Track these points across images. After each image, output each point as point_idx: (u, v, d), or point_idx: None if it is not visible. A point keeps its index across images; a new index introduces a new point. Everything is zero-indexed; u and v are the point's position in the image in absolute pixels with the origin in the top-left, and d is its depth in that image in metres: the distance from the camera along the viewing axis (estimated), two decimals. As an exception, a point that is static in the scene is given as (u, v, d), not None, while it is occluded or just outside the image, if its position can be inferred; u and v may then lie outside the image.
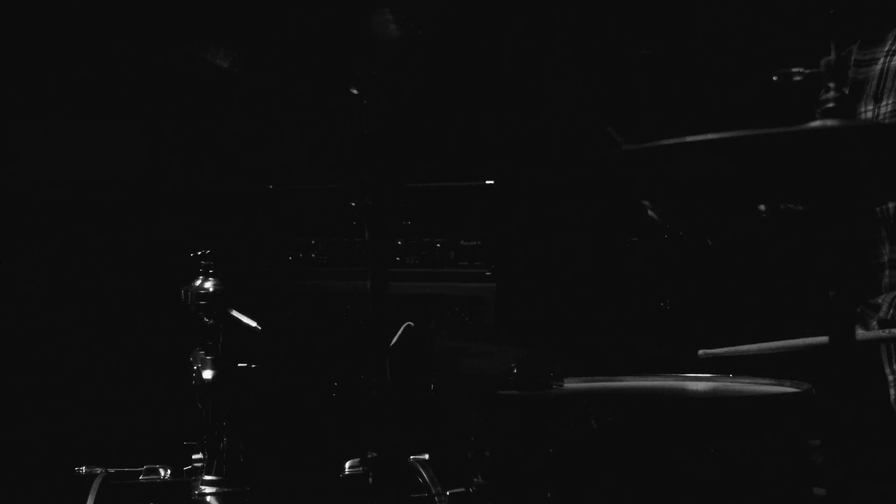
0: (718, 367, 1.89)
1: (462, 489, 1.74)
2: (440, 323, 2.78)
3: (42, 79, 2.94)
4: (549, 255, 3.02)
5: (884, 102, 2.10)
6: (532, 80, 3.06)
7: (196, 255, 1.91)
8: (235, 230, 2.98)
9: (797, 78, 1.35)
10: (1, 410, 2.75)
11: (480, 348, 2.41)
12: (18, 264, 2.91)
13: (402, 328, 2.33)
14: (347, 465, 1.94)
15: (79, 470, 1.92)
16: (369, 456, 1.61)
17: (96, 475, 1.90)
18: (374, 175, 1.62)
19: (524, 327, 2.86)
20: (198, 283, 1.91)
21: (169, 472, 1.95)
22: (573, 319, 2.88)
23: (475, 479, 1.55)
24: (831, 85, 1.24)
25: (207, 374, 1.86)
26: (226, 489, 1.85)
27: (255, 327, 1.84)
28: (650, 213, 2.08)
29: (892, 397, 2.01)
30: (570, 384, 1.76)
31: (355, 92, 1.60)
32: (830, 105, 1.23)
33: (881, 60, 2.14)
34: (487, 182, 2.97)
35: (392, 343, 2.16)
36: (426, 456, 1.98)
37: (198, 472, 1.89)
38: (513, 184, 3.02)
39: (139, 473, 1.93)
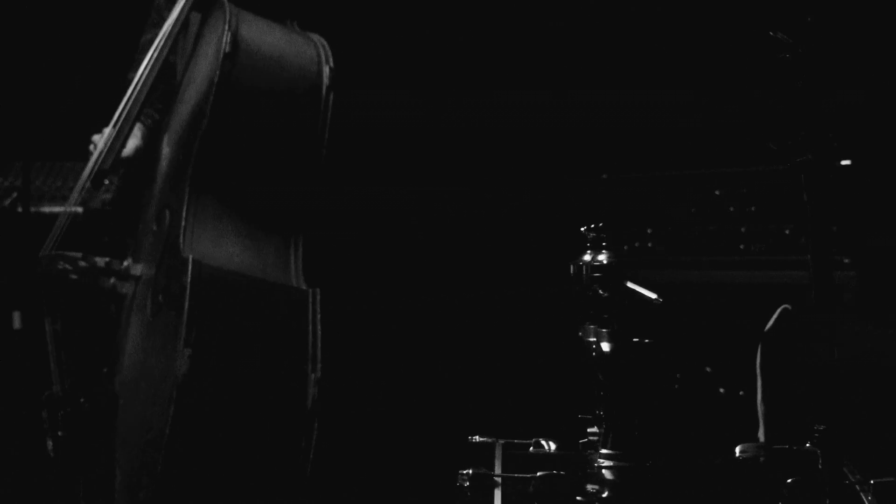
0: None
1: (890, 479, 1.61)
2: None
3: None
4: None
5: None
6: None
7: (587, 228, 1.91)
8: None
9: None
10: (405, 384, 2.93)
11: (858, 329, 2.26)
12: (428, 249, 3.09)
13: (778, 312, 2.23)
14: (738, 449, 1.87)
15: (472, 439, 1.98)
16: (818, 432, 1.51)
17: (488, 444, 1.95)
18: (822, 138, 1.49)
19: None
20: (589, 256, 1.91)
21: (554, 445, 1.97)
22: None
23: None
24: None
25: (605, 348, 1.85)
26: (624, 463, 1.83)
27: (656, 300, 1.80)
28: None
29: None
30: None
31: (781, 36, 1.47)
32: None
33: None
34: (843, 162, 2.78)
35: (769, 327, 2.07)
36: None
37: (594, 446, 1.88)
38: (871, 164, 2.81)
39: (528, 445, 1.96)
